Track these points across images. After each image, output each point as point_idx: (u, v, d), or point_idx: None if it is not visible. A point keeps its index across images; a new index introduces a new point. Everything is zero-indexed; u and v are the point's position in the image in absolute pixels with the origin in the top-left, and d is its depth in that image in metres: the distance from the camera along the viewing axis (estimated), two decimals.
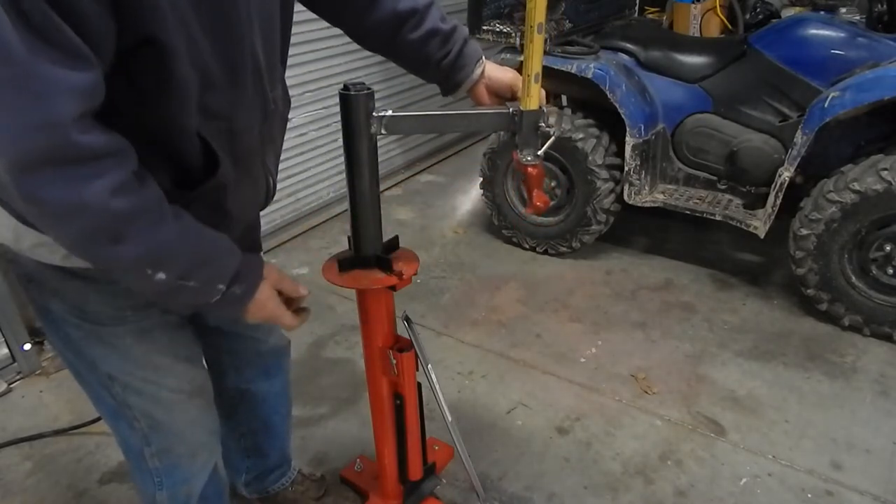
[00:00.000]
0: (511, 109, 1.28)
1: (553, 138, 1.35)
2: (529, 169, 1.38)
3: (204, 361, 1.35)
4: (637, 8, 4.01)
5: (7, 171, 0.76)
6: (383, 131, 1.29)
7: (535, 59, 1.21)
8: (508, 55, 3.04)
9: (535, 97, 1.28)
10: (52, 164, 0.77)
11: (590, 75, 2.83)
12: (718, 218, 2.89)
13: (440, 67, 1.32)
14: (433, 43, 1.28)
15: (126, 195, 0.83)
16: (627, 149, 2.89)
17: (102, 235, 0.84)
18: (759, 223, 2.74)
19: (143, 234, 0.86)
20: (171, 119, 0.90)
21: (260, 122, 1.06)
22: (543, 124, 1.29)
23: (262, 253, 1.29)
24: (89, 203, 0.80)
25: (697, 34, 4.44)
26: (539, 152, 1.34)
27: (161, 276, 0.90)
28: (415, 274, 1.45)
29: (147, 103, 0.88)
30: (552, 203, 3.20)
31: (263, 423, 1.68)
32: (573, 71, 2.86)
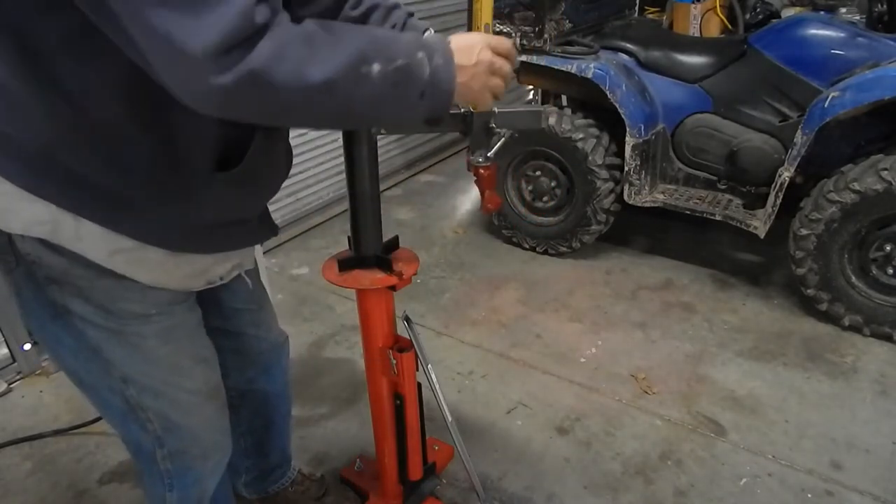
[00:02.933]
0: (462, 110, 1.26)
1: (503, 139, 1.36)
2: (481, 171, 1.39)
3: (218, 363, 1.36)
4: (637, 8, 4.01)
5: (215, 62, 0.76)
6: (383, 131, 1.29)
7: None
8: None
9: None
10: (255, 39, 0.79)
11: (590, 75, 2.83)
12: (718, 218, 2.89)
13: None
14: (374, 17, 1.26)
15: (313, 26, 0.86)
16: (627, 149, 2.89)
17: (310, 60, 0.84)
18: (759, 223, 2.74)
19: (347, 40, 0.88)
20: None
21: None
22: (494, 125, 1.29)
23: (273, 234, 1.33)
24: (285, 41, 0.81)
25: (697, 34, 4.43)
26: (490, 153, 1.35)
27: (376, 66, 0.89)
28: (415, 274, 1.46)
29: None
30: (552, 203, 3.20)
31: (265, 423, 1.67)
32: (573, 71, 2.86)
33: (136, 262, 1.05)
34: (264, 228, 1.27)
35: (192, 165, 1.00)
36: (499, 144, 1.36)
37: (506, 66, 1.11)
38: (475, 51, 1.05)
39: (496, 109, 1.26)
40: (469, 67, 1.04)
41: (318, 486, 1.86)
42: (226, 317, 1.42)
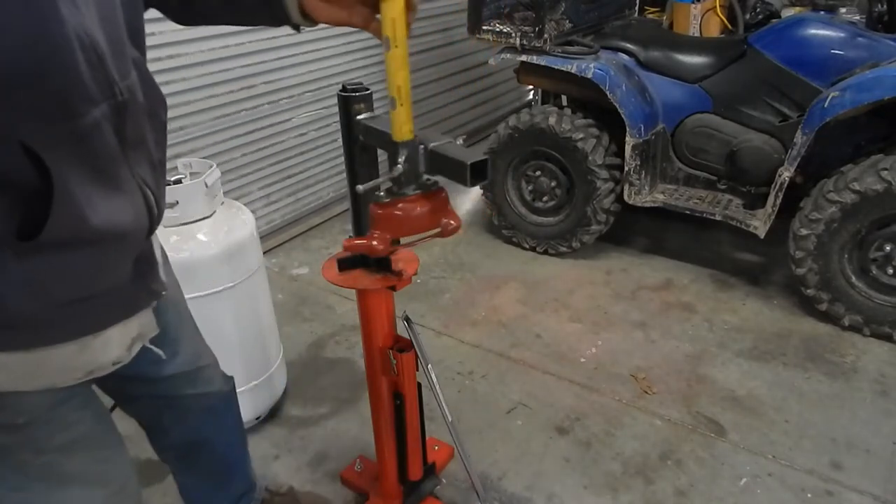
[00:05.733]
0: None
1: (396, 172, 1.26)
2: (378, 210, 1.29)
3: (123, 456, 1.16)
4: (637, 8, 4.00)
5: None
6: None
7: (398, 77, 1.15)
8: (508, 55, 3.04)
9: (406, 122, 1.21)
10: None
11: (590, 75, 2.83)
12: (718, 218, 2.89)
13: None
14: None
15: None
16: (627, 149, 2.89)
17: None
18: (759, 223, 2.74)
19: None
20: None
21: (110, 117, 0.84)
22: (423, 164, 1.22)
23: (163, 294, 1.09)
24: None
25: (697, 34, 4.43)
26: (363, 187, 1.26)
27: None
28: (415, 274, 1.46)
29: None
30: (552, 203, 3.20)
31: (222, 462, 1.58)
32: (573, 71, 2.86)
33: None
34: (139, 293, 1.03)
35: None
36: (379, 180, 1.27)
37: None
38: None
39: (431, 144, 1.21)
40: None
41: (289, 501, 1.80)
42: (153, 384, 1.26)
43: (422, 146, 1.23)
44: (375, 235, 1.30)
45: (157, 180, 0.99)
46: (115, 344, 1.01)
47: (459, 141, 1.29)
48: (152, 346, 1.14)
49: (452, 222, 1.30)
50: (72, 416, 1.01)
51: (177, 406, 1.35)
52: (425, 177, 1.28)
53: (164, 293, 1.09)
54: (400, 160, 1.23)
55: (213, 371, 1.42)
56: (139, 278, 1.01)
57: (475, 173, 1.15)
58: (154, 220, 0.99)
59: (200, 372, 1.36)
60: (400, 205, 1.27)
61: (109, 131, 0.85)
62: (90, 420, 1.06)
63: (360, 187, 1.28)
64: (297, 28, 1.15)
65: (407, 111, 1.19)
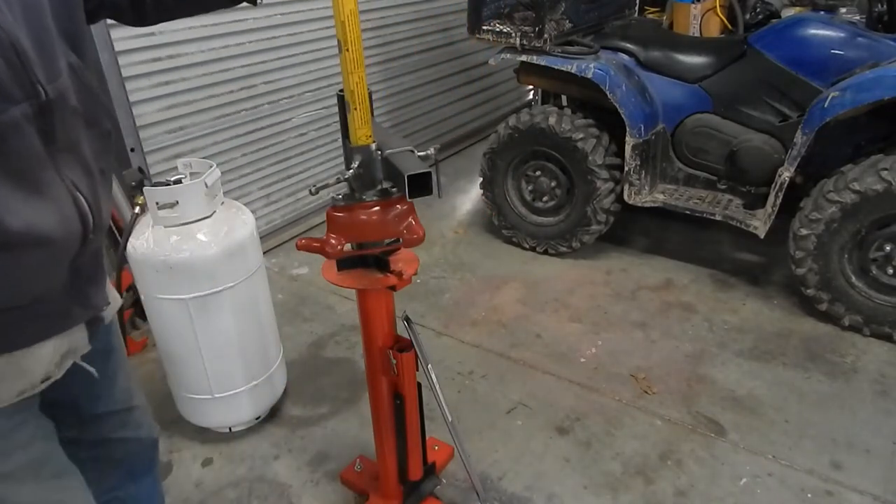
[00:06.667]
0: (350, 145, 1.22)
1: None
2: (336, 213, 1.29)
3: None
4: (637, 8, 4.00)
5: None
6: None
7: (351, 80, 1.13)
8: (508, 55, 3.04)
9: (362, 127, 1.20)
10: None
11: (590, 75, 2.83)
12: (718, 218, 2.89)
13: None
14: None
15: None
16: (627, 149, 2.89)
17: None
18: (759, 223, 2.74)
19: None
20: None
21: (32, 117, 0.82)
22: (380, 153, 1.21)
23: (107, 306, 1.03)
24: None
25: (697, 34, 4.43)
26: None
27: None
28: (415, 274, 1.46)
29: None
30: (552, 203, 3.20)
31: None
32: (573, 71, 2.86)
33: None
34: (73, 307, 0.98)
35: None
36: (332, 183, 1.27)
37: None
38: None
39: (387, 152, 1.20)
40: None
41: None
42: (83, 424, 1.18)
43: (379, 152, 1.21)
44: (330, 238, 1.29)
45: (94, 188, 0.93)
46: (46, 359, 0.96)
47: (431, 150, 1.27)
48: (84, 364, 1.06)
49: (414, 234, 1.28)
50: (17, 440, 0.95)
51: (101, 458, 1.25)
52: (387, 184, 1.27)
53: (105, 308, 1.02)
54: (353, 165, 1.22)
55: (143, 415, 1.32)
56: (75, 290, 0.95)
57: (416, 186, 1.12)
58: (89, 228, 0.92)
59: (132, 413, 1.28)
60: (354, 210, 1.26)
61: (32, 132, 0.82)
62: (40, 445, 0.99)
63: (313, 188, 1.27)
64: (253, 2, 1.16)
65: (362, 115, 1.18)
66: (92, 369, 1.07)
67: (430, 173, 1.13)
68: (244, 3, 1.23)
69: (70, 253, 0.90)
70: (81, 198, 0.90)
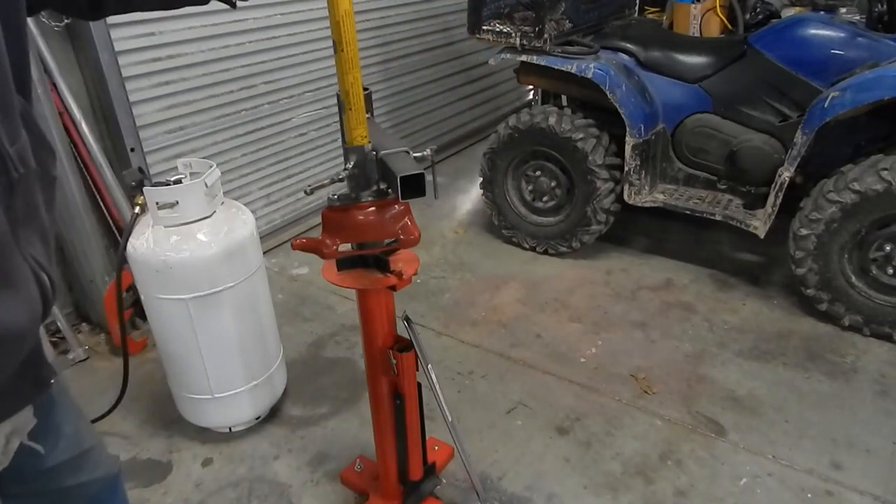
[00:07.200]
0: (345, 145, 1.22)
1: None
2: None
3: None
4: (637, 8, 4.00)
5: None
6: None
7: (346, 80, 1.13)
8: (508, 55, 3.04)
9: (357, 128, 1.20)
10: None
11: (590, 75, 2.83)
12: (718, 218, 2.89)
13: None
14: None
15: None
16: (627, 149, 2.89)
17: None
18: (759, 223, 2.74)
19: None
20: None
21: (2, 195, 0.71)
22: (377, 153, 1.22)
23: (55, 376, 0.93)
24: None
25: (697, 34, 4.43)
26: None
27: None
28: (415, 274, 1.46)
29: None
30: (552, 203, 3.20)
31: None
32: (573, 71, 2.86)
33: None
34: (23, 388, 0.86)
35: None
36: (326, 183, 1.27)
37: None
38: None
39: (367, 147, 1.20)
40: None
41: None
42: (30, 482, 1.05)
43: (374, 153, 1.21)
44: (325, 238, 1.29)
45: (48, 254, 0.83)
46: None
47: (427, 151, 1.27)
48: (31, 443, 0.95)
49: (410, 235, 1.28)
50: None
51: (57, 500, 1.12)
52: (383, 185, 1.27)
53: (53, 380, 0.91)
54: (348, 165, 1.22)
55: (99, 453, 1.18)
56: (26, 370, 0.84)
57: (409, 187, 1.12)
58: (49, 305, 0.81)
59: (86, 456, 1.13)
60: (350, 211, 1.25)
61: (2, 216, 0.70)
62: None
63: (308, 189, 1.27)
64: (232, 4, 1.12)
65: (357, 115, 1.18)
66: (39, 447, 0.97)
67: (422, 174, 1.13)
68: (221, 4, 1.18)
69: (34, 338, 0.81)
70: (43, 274, 0.80)
